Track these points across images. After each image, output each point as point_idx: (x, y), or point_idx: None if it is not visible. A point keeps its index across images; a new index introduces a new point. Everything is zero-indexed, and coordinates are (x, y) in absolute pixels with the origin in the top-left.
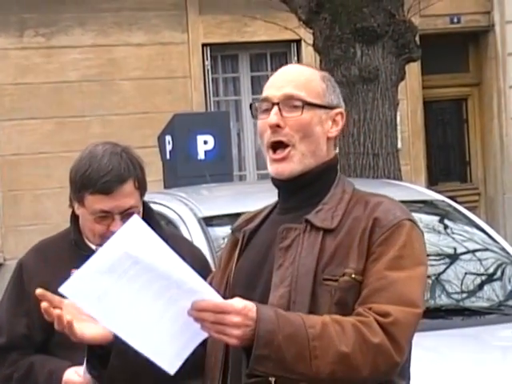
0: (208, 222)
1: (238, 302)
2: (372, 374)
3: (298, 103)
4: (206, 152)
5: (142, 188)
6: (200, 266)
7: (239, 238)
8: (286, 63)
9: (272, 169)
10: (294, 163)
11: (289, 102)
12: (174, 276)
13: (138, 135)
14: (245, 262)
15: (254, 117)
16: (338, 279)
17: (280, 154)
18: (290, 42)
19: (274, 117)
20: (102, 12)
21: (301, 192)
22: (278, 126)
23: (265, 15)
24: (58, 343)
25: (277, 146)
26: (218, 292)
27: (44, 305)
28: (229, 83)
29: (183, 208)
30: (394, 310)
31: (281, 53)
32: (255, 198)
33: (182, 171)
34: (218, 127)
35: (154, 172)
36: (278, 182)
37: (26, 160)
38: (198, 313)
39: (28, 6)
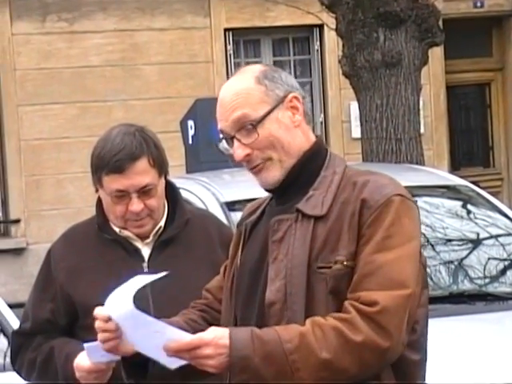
0: (230, 206)
1: (207, 334)
2: (361, 370)
3: (249, 126)
4: None
5: (159, 166)
6: (226, 244)
7: (242, 232)
8: (309, 48)
9: (257, 180)
10: (275, 171)
11: (241, 128)
12: (141, 319)
13: (160, 120)
14: (247, 256)
15: (226, 151)
16: (332, 266)
17: (256, 167)
18: (312, 26)
19: (238, 151)
20: None
21: (290, 188)
22: (246, 156)
23: (287, 0)
24: (82, 326)
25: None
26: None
27: (98, 324)
28: None
29: (205, 193)
30: (382, 296)
31: (303, 37)
32: None
33: (204, 156)
34: None
35: (176, 157)
36: (268, 190)
37: (49, 145)
38: (172, 354)
39: None
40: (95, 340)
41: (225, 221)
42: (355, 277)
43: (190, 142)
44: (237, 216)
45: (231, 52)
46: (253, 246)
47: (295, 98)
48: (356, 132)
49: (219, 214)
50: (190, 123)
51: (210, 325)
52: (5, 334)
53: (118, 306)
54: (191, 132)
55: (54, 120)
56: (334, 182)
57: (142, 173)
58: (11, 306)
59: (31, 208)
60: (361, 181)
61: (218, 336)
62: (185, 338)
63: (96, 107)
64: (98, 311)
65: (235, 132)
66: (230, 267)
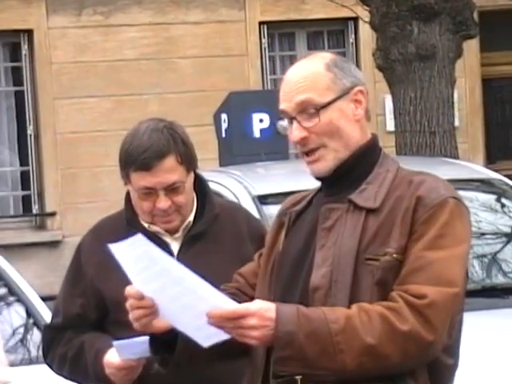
0: (262, 200)
1: (253, 305)
2: (403, 360)
3: (312, 110)
4: (261, 130)
5: (187, 162)
6: (256, 238)
7: (285, 221)
8: (343, 41)
9: (309, 169)
10: (328, 161)
11: (303, 111)
12: (186, 283)
13: (194, 113)
14: (291, 243)
15: (281, 132)
16: (380, 259)
17: (312, 156)
18: (347, 19)
19: (295, 133)
20: None
21: (342, 179)
22: (302, 139)
23: None
24: (113, 321)
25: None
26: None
27: (132, 302)
28: (286, 61)
29: (238, 186)
30: (431, 290)
31: (338, 31)
32: (310, 176)
33: (238, 149)
34: (273, 105)
35: (210, 150)
36: (318, 178)
37: (85, 138)
38: (216, 321)
39: None
40: (127, 335)
41: (256, 214)
42: (404, 270)
43: (224, 135)
44: (269, 209)
45: (266, 45)
46: (298, 233)
47: (361, 91)
48: (391, 125)
49: (251, 207)
50: (224, 116)
51: None
52: (38, 327)
53: (156, 276)
54: (224, 125)
55: (90, 113)
56: (387, 179)
57: (169, 170)
58: (47, 299)
59: (67, 201)
60: (417, 179)
61: (264, 308)
62: (231, 305)
63: (131, 100)
64: (130, 289)
65: (296, 114)
66: (269, 254)
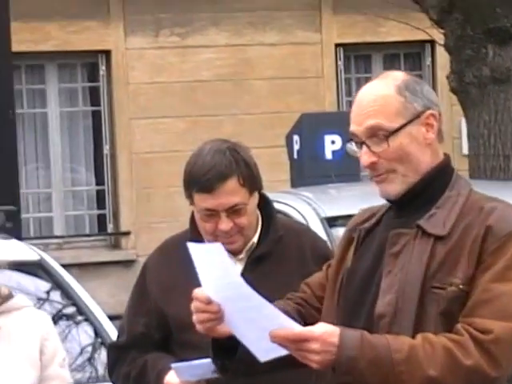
0: (331, 222)
1: (317, 329)
2: None
3: (381, 136)
4: (333, 152)
5: (249, 184)
6: (320, 259)
7: (354, 237)
8: (420, 64)
9: (378, 190)
10: (397, 185)
11: (373, 136)
12: (253, 302)
13: (269, 135)
14: (359, 263)
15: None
16: (446, 288)
17: (381, 178)
18: (424, 42)
19: (365, 157)
20: (237, 12)
21: (412, 203)
22: (372, 163)
23: (398, 15)
24: (176, 342)
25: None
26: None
27: (198, 305)
28: (362, 83)
29: (306, 208)
30: (497, 325)
31: (414, 53)
32: (380, 198)
33: (309, 171)
34: (345, 127)
35: (283, 171)
36: (388, 200)
37: (159, 158)
38: (278, 341)
39: (164, 6)
40: (190, 355)
41: (324, 236)
42: (470, 302)
43: (296, 156)
44: (337, 231)
45: (342, 67)
46: (366, 253)
47: (432, 115)
48: (467, 148)
49: (319, 229)
50: (296, 138)
51: (304, 319)
52: (105, 347)
53: (226, 287)
54: (296, 147)
55: (165, 133)
56: (457, 204)
57: (231, 192)
58: (119, 318)
59: (141, 220)
60: (488, 207)
61: (328, 332)
62: (295, 327)
63: (206, 121)
64: (198, 292)
65: (366, 138)
66: (337, 269)
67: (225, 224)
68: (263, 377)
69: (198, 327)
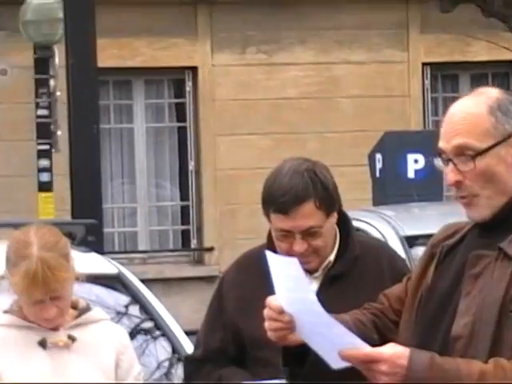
0: (411, 241)
1: (386, 350)
2: None
3: (469, 155)
4: (415, 171)
5: (326, 207)
6: (397, 278)
7: (436, 252)
8: (508, 84)
9: (464, 210)
10: (482, 209)
11: (460, 154)
12: (324, 319)
13: (354, 153)
14: (439, 280)
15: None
16: None
17: (463, 199)
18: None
19: (450, 175)
20: (323, 30)
21: (497, 225)
22: (457, 182)
23: (487, 35)
24: (251, 359)
25: None
26: (415, 298)
27: (270, 314)
28: (448, 103)
29: (386, 226)
30: None
31: (502, 73)
32: (463, 218)
33: (391, 190)
34: (428, 146)
35: (368, 190)
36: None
37: (244, 175)
38: (347, 360)
39: (251, 24)
40: (264, 372)
41: (403, 255)
42: None
43: (378, 175)
44: (417, 251)
45: (428, 86)
46: (446, 271)
47: None
48: None
49: (398, 248)
50: (378, 156)
51: (378, 330)
52: (182, 362)
53: (299, 301)
54: (379, 165)
55: (250, 151)
56: None
57: (306, 215)
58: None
59: (225, 237)
60: None
61: (397, 354)
62: (364, 348)
63: (291, 139)
64: (272, 301)
65: (453, 156)
66: (417, 285)
67: (299, 246)
68: None
69: (270, 334)
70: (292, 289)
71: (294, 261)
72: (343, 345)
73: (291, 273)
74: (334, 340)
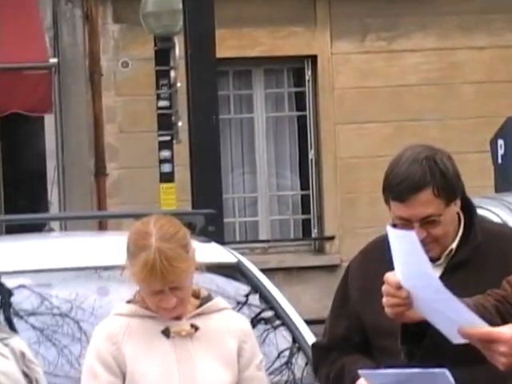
0: None
1: (507, 330)
2: None
3: None
4: None
5: (445, 195)
6: None
7: None
8: None
9: None
10: None
11: None
12: (444, 296)
13: (476, 140)
14: None
15: None
16: None
17: None
18: None
19: None
20: (444, 15)
21: None
22: None
23: None
24: (375, 347)
25: None
26: None
27: (388, 289)
28: None
29: (508, 213)
30: None
31: None
32: None
33: None
34: None
35: (489, 176)
36: None
37: (364, 163)
38: (466, 337)
39: (371, 11)
40: (387, 360)
41: None
42: None
43: (500, 161)
44: None
45: None
46: None
47: None
48: None
49: None
50: (500, 142)
51: (501, 316)
52: (303, 351)
53: (417, 275)
54: (501, 151)
55: (370, 139)
56: None
57: (424, 204)
58: (323, 322)
59: (345, 225)
60: None
61: None
62: (483, 327)
63: (412, 126)
64: (390, 276)
65: None
66: None
67: (419, 234)
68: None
69: (387, 310)
70: (410, 263)
71: (412, 234)
72: (462, 322)
73: (409, 247)
74: (452, 317)
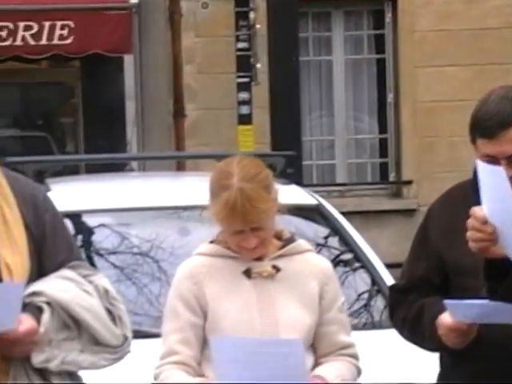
0: None
1: None
2: None
3: None
4: None
5: None
6: None
7: None
8: None
9: None
10: None
11: None
12: None
13: None
14: None
15: None
16: None
17: None
18: None
19: None
20: None
21: None
22: None
23: None
24: (454, 286)
25: None
26: None
27: (473, 223)
28: None
29: None
30: None
31: None
32: None
33: None
34: None
35: None
36: None
37: (444, 107)
38: None
39: None
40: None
41: None
42: None
43: None
44: None
45: None
46: None
47: None
48: None
49: None
50: None
51: None
52: (382, 294)
53: (504, 211)
54: None
55: (450, 82)
56: None
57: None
58: (398, 266)
59: (424, 170)
60: None
61: None
62: None
63: (492, 70)
64: (477, 210)
65: None
66: None
67: (506, 172)
68: None
69: (471, 245)
70: (498, 199)
71: (502, 170)
72: None
73: (497, 182)
74: None
